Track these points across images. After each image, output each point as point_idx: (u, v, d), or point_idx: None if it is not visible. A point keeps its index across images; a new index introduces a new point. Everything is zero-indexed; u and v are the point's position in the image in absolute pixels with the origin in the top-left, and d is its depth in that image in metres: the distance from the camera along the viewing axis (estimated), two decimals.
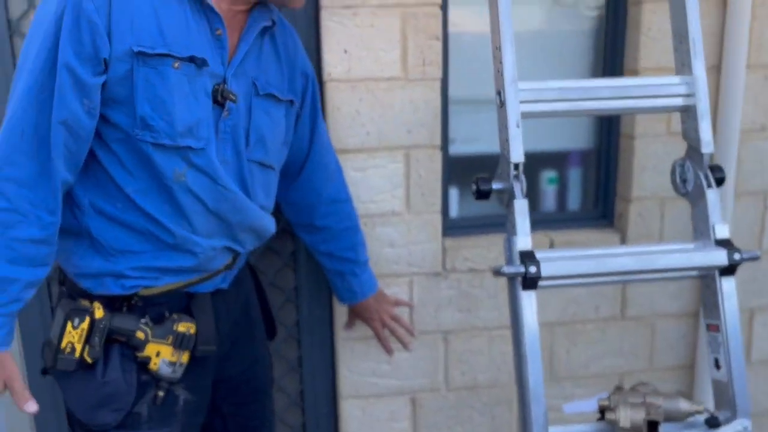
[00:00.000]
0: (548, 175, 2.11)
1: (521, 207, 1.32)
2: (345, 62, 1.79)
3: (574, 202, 2.12)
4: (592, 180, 2.11)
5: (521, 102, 1.33)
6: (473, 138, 2.04)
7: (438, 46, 1.81)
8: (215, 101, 1.24)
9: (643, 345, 2.10)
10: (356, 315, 1.84)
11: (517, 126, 1.32)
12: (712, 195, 1.34)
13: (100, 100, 1.14)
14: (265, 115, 1.35)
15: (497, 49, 1.35)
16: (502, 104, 1.34)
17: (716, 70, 1.92)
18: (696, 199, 1.37)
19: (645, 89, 1.37)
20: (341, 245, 1.68)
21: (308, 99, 1.55)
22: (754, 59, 1.91)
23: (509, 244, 1.32)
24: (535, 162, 2.10)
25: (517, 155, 1.32)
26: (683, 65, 1.38)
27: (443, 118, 1.91)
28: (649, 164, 1.95)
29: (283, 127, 1.43)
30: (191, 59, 1.18)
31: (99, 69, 1.12)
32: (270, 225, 1.45)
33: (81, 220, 1.22)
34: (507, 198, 1.35)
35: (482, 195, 1.36)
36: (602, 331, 2.07)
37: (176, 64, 1.15)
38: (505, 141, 1.34)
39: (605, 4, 1.96)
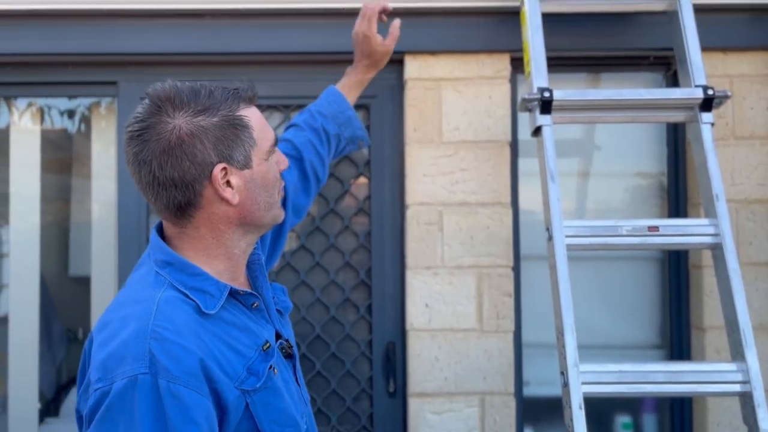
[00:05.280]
0: (623, 420, 2.16)
1: None
2: (426, 314, 2.01)
3: None
4: (668, 427, 2.14)
5: (583, 383, 1.48)
6: (547, 381, 2.15)
7: (510, 302, 2.01)
8: (287, 357, 1.20)
9: None
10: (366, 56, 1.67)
11: (580, 408, 1.45)
12: None
13: None
14: (290, 329, 1.32)
15: (560, 334, 1.52)
16: (565, 385, 1.49)
17: None
18: None
19: (700, 375, 1.48)
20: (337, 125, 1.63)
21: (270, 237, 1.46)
22: None
23: None
24: (609, 406, 2.17)
25: None
26: (737, 353, 1.49)
27: (517, 366, 2.05)
28: (725, 420, 1.98)
29: None
30: (270, 350, 1.12)
31: None
32: None
33: None
34: None
35: None
36: None
37: (275, 371, 1.10)
38: (569, 420, 1.46)
39: (667, 266, 2.13)
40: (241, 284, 1.17)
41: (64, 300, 2.90)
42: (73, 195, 3.06)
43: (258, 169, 1.11)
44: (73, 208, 3.07)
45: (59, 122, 2.95)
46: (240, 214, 1.11)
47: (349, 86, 1.69)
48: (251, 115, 1.10)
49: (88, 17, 1.99)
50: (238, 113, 1.08)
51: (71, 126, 3.03)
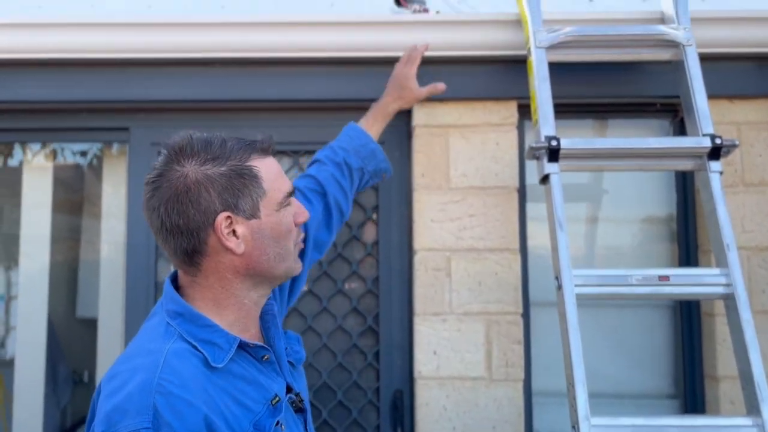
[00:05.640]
0: None
1: None
2: (434, 362, 1.98)
3: None
4: None
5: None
6: (559, 430, 2.11)
7: (520, 350, 1.98)
8: (297, 411, 1.17)
9: None
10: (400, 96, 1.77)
11: None
12: None
13: None
14: (303, 381, 1.30)
15: (571, 386, 1.49)
16: None
17: None
18: None
19: (714, 429, 1.44)
20: (359, 159, 1.63)
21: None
22: None
23: None
24: None
25: None
26: (752, 406, 1.46)
27: (527, 415, 2.01)
28: None
29: None
30: (279, 404, 1.09)
31: None
32: None
33: None
34: None
35: None
36: None
37: (282, 426, 1.08)
38: None
39: (679, 314, 2.10)
40: (253, 336, 1.16)
41: (70, 342, 2.89)
42: (83, 235, 3.07)
43: (267, 219, 1.10)
44: (82, 248, 3.08)
45: (71, 162, 2.98)
46: (247, 264, 1.10)
47: (374, 118, 1.72)
48: (264, 165, 1.10)
49: (101, 66, 2.03)
50: (247, 163, 1.08)
51: (83, 166, 3.06)
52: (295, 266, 1.17)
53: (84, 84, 2.04)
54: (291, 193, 1.14)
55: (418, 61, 1.81)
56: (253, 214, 1.08)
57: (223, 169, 1.06)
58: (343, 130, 1.68)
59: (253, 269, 1.11)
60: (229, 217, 1.07)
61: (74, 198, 3.05)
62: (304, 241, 1.44)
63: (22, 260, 2.55)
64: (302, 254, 1.41)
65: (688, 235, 2.11)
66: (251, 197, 1.08)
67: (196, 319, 1.08)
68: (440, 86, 1.82)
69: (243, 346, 1.10)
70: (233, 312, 1.12)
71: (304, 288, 2.12)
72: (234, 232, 1.07)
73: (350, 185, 1.60)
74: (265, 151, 1.12)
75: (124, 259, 2.18)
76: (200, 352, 1.05)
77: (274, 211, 1.10)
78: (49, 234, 2.58)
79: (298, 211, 1.15)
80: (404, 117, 2.09)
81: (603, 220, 2.24)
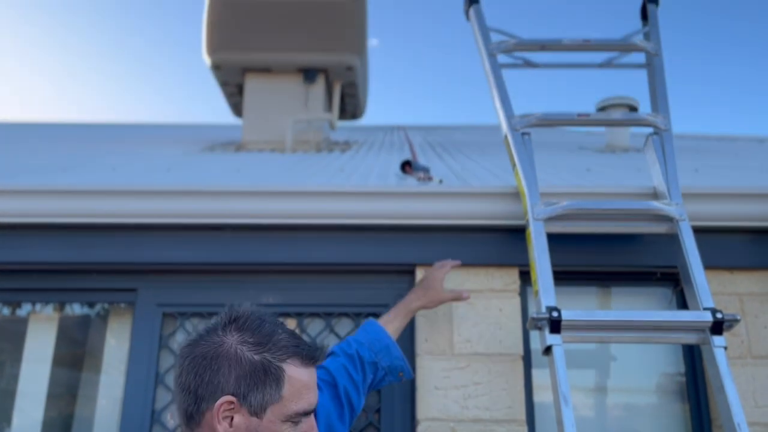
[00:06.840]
0: None
1: None
2: None
3: None
4: None
5: None
6: None
7: None
8: None
9: None
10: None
11: None
12: None
13: None
14: None
15: None
16: None
17: None
18: None
19: None
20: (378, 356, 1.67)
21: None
22: None
23: None
24: None
25: None
26: None
27: None
28: None
29: None
30: None
31: None
32: None
33: None
34: None
35: None
36: None
37: None
38: None
39: None
40: None
41: None
42: (81, 389, 3.00)
43: (268, 424, 1.07)
44: (78, 403, 2.99)
45: (78, 314, 2.99)
46: None
47: (395, 314, 1.80)
48: (296, 373, 1.09)
49: (114, 229, 2.11)
50: (281, 364, 1.09)
51: (89, 319, 3.06)
52: None
53: (96, 247, 2.10)
54: (307, 413, 1.11)
55: (448, 269, 1.94)
56: (257, 411, 1.07)
57: (256, 357, 1.08)
58: (361, 325, 1.75)
59: None
60: (232, 402, 1.07)
61: (76, 350, 3.02)
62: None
63: (15, 417, 2.48)
64: None
65: (700, 408, 2.03)
66: (263, 396, 1.07)
67: None
68: (465, 295, 1.91)
69: None
70: None
71: None
72: (232, 418, 1.07)
73: (362, 378, 1.61)
74: (310, 359, 1.12)
75: (119, 418, 2.12)
76: None
77: (279, 420, 1.08)
78: (46, 389, 2.53)
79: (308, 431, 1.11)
80: (407, 281, 2.13)
81: (612, 389, 2.18)
